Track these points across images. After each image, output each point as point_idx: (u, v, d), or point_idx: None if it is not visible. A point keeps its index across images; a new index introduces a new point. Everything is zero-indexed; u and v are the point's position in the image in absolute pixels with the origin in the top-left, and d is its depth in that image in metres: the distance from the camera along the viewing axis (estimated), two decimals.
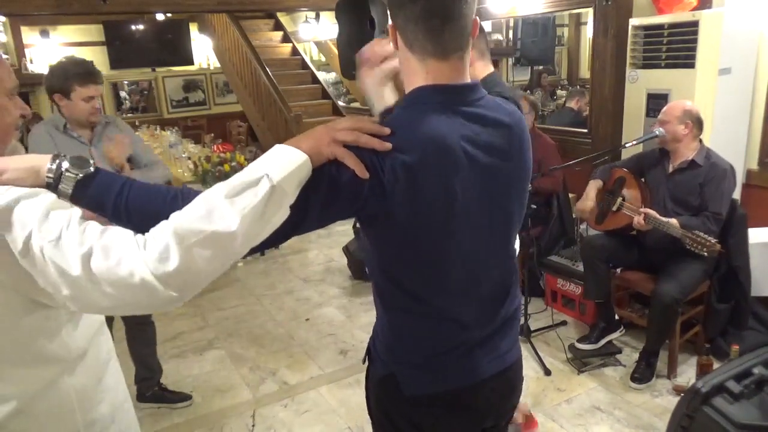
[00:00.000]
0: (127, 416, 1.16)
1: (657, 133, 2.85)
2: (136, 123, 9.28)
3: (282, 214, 0.91)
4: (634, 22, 3.39)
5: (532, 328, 3.26)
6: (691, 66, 3.08)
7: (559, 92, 7.19)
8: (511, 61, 7.02)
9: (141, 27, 9.52)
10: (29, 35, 8.50)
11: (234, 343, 3.52)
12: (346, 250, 4.41)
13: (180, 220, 0.85)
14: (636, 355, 2.96)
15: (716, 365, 2.66)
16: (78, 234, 0.84)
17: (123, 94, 9.72)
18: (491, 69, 1.92)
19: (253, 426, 2.70)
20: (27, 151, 1.70)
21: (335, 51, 7.10)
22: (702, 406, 1.69)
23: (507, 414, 1.32)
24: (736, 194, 3.12)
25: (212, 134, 8.53)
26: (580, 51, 7.67)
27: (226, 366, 3.25)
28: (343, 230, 5.03)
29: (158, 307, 0.87)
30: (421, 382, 1.14)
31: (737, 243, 2.90)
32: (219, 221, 0.84)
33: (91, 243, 0.84)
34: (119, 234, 0.86)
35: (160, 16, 9.34)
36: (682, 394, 1.85)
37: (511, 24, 6.69)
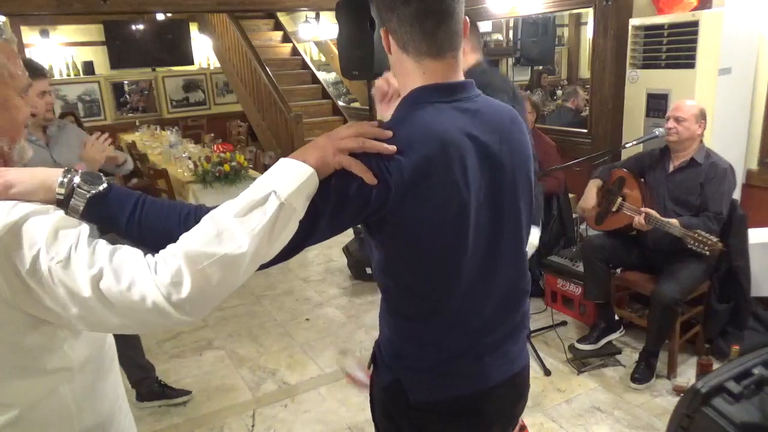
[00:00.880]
0: (125, 419, 1.15)
1: (657, 133, 2.85)
2: (136, 123, 9.30)
3: (291, 230, 0.90)
4: (634, 22, 3.39)
5: (531, 329, 3.26)
6: (691, 66, 3.08)
7: (559, 92, 7.19)
8: (511, 61, 7.02)
9: (141, 27, 9.52)
10: (29, 35, 8.49)
11: (234, 343, 3.52)
12: (346, 250, 4.41)
13: (190, 242, 0.84)
14: (636, 356, 2.96)
15: (716, 365, 2.65)
16: (87, 255, 0.82)
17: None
18: (479, 58, 1.96)
19: (253, 426, 2.70)
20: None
21: (335, 51, 7.11)
22: (702, 406, 1.68)
23: (514, 421, 1.30)
24: (736, 194, 3.12)
25: (212, 134, 8.53)
26: (580, 51, 7.66)
27: (226, 366, 3.25)
28: None
29: (169, 327, 0.86)
30: (428, 388, 1.12)
31: (737, 243, 2.90)
32: (229, 243, 0.84)
33: (101, 265, 0.82)
34: (130, 255, 0.84)
35: (160, 16, 9.35)
36: (682, 395, 1.84)
37: (511, 24, 6.69)
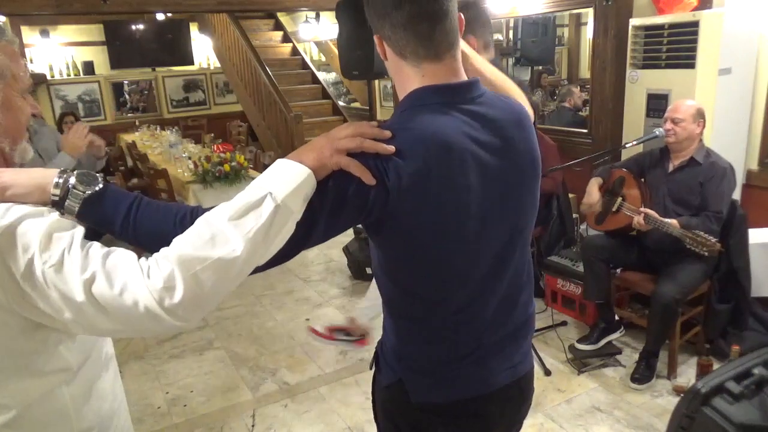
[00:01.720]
0: (124, 420, 1.15)
1: (657, 133, 2.85)
2: (136, 123, 9.30)
3: (287, 232, 0.89)
4: (634, 22, 3.39)
5: None
6: (692, 66, 3.08)
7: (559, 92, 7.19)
8: (511, 61, 7.01)
9: (141, 27, 9.52)
10: (29, 35, 8.49)
11: (234, 343, 3.52)
12: (346, 250, 4.41)
13: (184, 246, 0.83)
14: (636, 356, 2.96)
15: (716, 366, 2.66)
16: (80, 259, 0.82)
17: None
18: (490, 57, 1.94)
19: (253, 426, 2.70)
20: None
21: (335, 51, 7.10)
22: (702, 406, 1.68)
23: (518, 425, 1.28)
24: (736, 194, 3.12)
25: (212, 134, 8.54)
26: (580, 51, 7.66)
27: (226, 366, 3.25)
28: None
29: (163, 332, 0.85)
30: (431, 389, 1.11)
31: (737, 243, 2.90)
32: (223, 246, 0.82)
33: (94, 269, 0.81)
34: (123, 259, 0.83)
35: (160, 16, 9.34)
36: (682, 395, 1.84)
37: (511, 24, 6.68)
